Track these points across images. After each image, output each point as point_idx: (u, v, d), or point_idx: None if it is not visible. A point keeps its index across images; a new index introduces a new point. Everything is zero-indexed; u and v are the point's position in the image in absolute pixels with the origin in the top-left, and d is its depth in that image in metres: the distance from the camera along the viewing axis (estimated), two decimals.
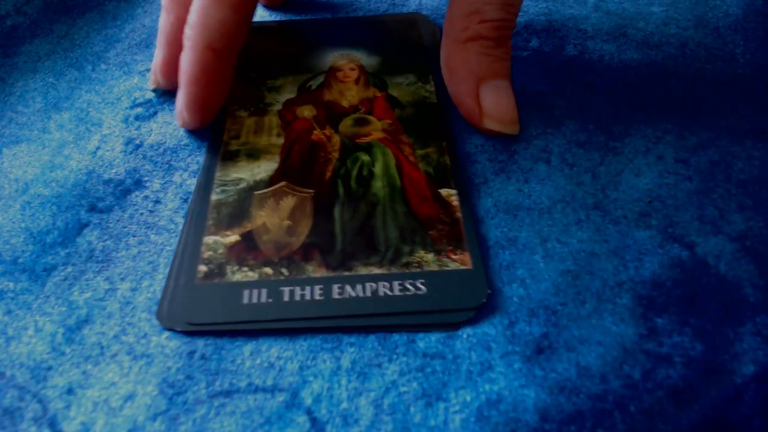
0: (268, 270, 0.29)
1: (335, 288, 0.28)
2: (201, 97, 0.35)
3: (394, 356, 0.27)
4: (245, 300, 0.28)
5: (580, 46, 0.43)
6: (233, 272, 0.29)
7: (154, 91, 0.41)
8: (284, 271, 0.29)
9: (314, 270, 0.29)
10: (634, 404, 0.25)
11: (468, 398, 0.25)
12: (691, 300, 0.28)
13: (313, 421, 0.24)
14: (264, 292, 0.28)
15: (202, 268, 0.30)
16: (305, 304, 0.28)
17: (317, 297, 0.28)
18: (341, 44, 0.43)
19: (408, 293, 0.28)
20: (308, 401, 0.25)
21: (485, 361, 0.26)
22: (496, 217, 0.32)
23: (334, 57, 0.42)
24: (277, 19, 0.47)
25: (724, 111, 0.38)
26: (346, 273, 0.29)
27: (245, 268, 0.30)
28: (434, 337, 0.27)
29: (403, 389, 0.25)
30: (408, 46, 0.43)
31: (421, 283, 0.28)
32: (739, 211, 0.32)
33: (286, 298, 0.28)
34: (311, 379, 0.26)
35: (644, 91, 0.39)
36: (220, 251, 0.30)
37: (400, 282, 0.28)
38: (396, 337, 0.27)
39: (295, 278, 0.29)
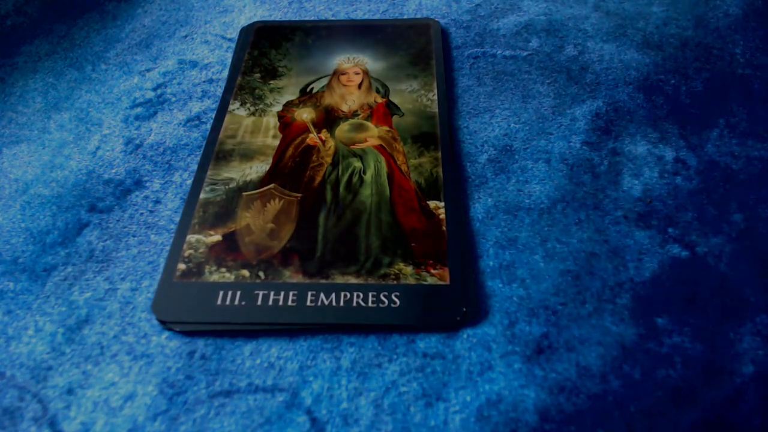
0: (245, 272, 0.29)
1: (309, 295, 0.28)
2: None
3: (394, 356, 0.27)
4: (219, 301, 0.28)
5: (580, 46, 0.43)
6: (211, 272, 0.30)
7: (153, 91, 0.41)
8: (261, 274, 0.29)
9: (291, 275, 0.29)
10: (634, 404, 0.25)
11: (468, 398, 0.25)
12: (691, 300, 0.28)
13: (313, 421, 0.24)
14: (239, 294, 0.28)
15: (181, 266, 0.30)
16: (278, 310, 0.28)
17: (291, 303, 0.28)
18: (349, 47, 0.43)
19: (382, 305, 0.28)
20: (308, 401, 0.25)
21: (485, 361, 0.26)
22: (496, 217, 0.32)
23: (341, 60, 0.42)
24: (284, 18, 0.47)
25: (724, 111, 0.38)
26: (323, 281, 0.29)
27: (223, 269, 0.30)
28: (434, 337, 0.27)
29: (403, 389, 0.25)
30: (416, 52, 0.43)
31: (396, 296, 0.28)
32: (739, 211, 0.32)
33: (259, 302, 0.28)
34: (311, 379, 0.26)
35: (644, 91, 0.39)
36: (201, 250, 0.31)
37: (375, 293, 0.28)
38: (396, 337, 0.27)
39: (270, 282, 0.29)
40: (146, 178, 0.35)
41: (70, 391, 0.26)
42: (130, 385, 0.26)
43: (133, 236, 0.32)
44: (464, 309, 0.27)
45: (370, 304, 0.28)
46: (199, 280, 0.29)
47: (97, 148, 0.37)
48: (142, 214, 0.33)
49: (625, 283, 0.29)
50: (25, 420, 0.25)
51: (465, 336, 0.27)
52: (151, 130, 0.38)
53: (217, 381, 0.26)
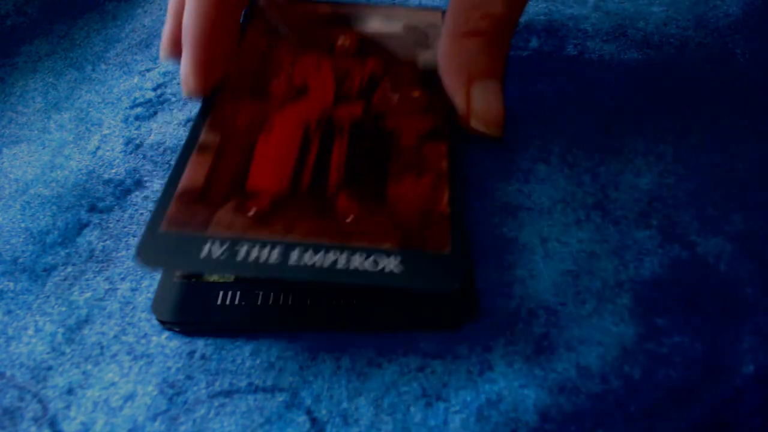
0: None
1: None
2: (209, 58, 0.34)
3: (394, 356, 0.27)
4: (219, 301, 0.28)
5: (580, 46, 0.43)
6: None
7: (153, 91, 0.41)
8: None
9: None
10: (634, 404, 0.25)
11: (468, 398, 0.25)
12: (691, 300, 0.28)
13: (313, 421, 0.25)
14: (238, 294, 0.28)
15: None
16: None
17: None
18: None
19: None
20: (308, 401, 0.25)
21: (485, 361, 0.26)
22: (496, 217, 0.32)
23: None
24: None
25: (724, 111, 0.38)
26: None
27: None
28: (434, 337, 0.27)
29: (403, 389, 0.25)
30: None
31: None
32: (739, 211, 0.32)
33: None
34: (311, 379, 0.26)
35: (644, 91, 0.39)
36: None
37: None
38: (396, 337, 0.27)
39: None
40: (146, 178, 0.35)
41: (70, 391, 0.26)
42: (130, 385, 0.26)
43: (133, 236, 0.32)
44: (466, 309, 0.27)
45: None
46: (200, 280, 0.29)
47: (97, 148, 0.37)
48: (142, 214, 0.33)
49: (625, 283, 0.29)
50: (25, 420, 0.25)
51: (465, 336, 0.27)
52: (151, 130, 0.38)
53: (217, 381, 0.26)
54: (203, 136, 0.32)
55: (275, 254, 0.26)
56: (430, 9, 0.45)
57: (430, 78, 0.37)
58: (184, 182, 0.30)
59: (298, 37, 0.40)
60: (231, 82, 0.36)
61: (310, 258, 0.26)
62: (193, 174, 0.30)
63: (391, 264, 0.26)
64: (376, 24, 0.42)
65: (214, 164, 0.31)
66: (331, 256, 0.26)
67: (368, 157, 0.32)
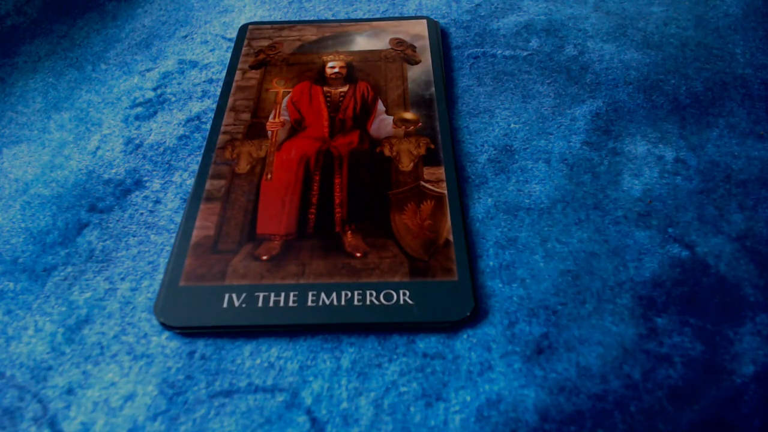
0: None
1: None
2: None
3: (394, 356, 0.27)
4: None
5: (580, 46, 0.43)
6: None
7: (153, 91, 0.41)
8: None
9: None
10: (634, 404, 0.25)
11: (468, 398, 0.25)
12: (691, 300, 0.28)
13: (313, 421, 0.24)
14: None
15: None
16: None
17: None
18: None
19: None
20: (308, 401, 0.25)
21: (485, 361, 0.26)
22: (496, 217, 0.32)
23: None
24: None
25: (724, 111, 0.38)
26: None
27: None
28: (434, 337, 0.27)
29: (403, 389, 0.25)
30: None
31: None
32: (739, 211, 0.32)
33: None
34: (311, 379, 0.26)
35: (644, 91, 0.39)
36: None
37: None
38: (396, 337, 0.27)
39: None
40: (146, 178, 0.35)
41: (70, 391, 0.26)
42: (130, 385, 0.26)
43: (133, 236, 0.32)
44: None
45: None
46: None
47: (97, 148, 0.37)
48: (142, 214, 0.33)
49: (625, 283, 0.29)
50: (25, 420, 0.25)
51: (465, 336, 0.27)
52: (151, 130, 0.38)
53: (217, 381, 0.26)
54: (209, 184, 0.33)
55: (292, 298, 0.28)
56: (415, 18, 0.45)
57: (420, 96, 0.38)
58: (196, 233, 0.31)
59: (289, 65, 0.41)
60: (228, 122, 0.37)
61: (326, 298, 0.28)
62: (204, 223, 0.31)
63: (402, 297, 0.28)
64: (363, 42, 0.43)
65: (223, 212, 0.32)
66: (345, 295, 0.28)
67: (369, 189, 0.33)
